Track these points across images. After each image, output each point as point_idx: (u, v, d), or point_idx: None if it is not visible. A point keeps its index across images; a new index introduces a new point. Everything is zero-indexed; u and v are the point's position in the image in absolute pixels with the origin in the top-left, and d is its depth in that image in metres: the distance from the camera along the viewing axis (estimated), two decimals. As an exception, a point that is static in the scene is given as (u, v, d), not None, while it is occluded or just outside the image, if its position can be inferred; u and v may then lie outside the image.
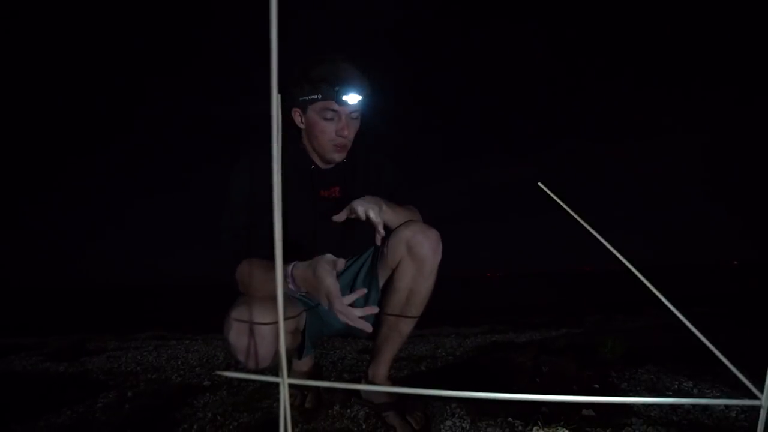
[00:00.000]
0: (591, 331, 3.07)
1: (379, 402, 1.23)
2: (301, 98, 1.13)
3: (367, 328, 0.96)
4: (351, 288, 1.28)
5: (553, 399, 0.30)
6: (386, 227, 1.25)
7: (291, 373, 1.39)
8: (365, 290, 1.01)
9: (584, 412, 1.15)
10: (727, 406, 1.13)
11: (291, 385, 1.36)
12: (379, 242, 1.12)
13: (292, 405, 1.28)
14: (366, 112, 1.18)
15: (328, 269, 0.95)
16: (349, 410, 1.26)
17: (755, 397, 0.32)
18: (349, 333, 1.34)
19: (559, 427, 1.06)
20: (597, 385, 1.39)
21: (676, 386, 1.33)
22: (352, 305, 0.95)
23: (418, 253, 1.16)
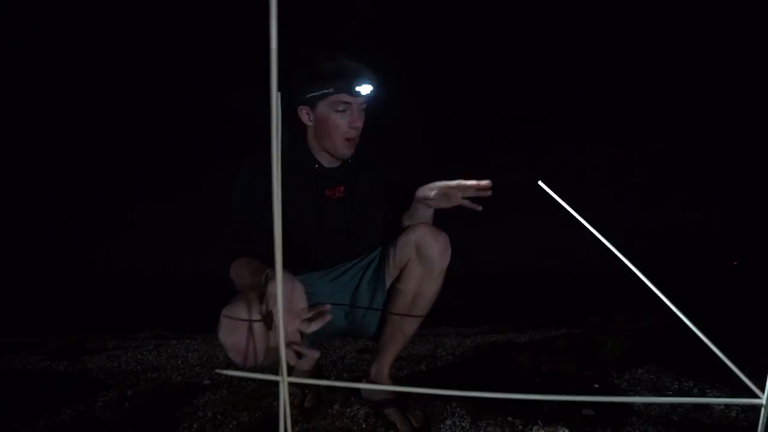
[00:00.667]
0: (591, 331, 3.07)
1: (379, 399, 1.23)
2: (310, 95, 1.14)
3: (312, 354, 0.84)
4: (356, 289, 1.28)
5: (553, 398, 0.30)
6: (394, 228, 1.25)
7: (292, 372, 1.39)
8: (328, 306, 0.88)
9: (584, 411, 1.15)
10: (727, 406, 1.13)
11: (291, 384, 1.36)
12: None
13: (291, 404, 1.28)
14: (373, 104, 1.19)
15: (287, 277, 0.88)
16: (349, 409, 1.26)
17: (756, 397, 0.32)
18: (350, 333, 1.34)
19: (560, 427, 1.06)
20: (597, 385, 1.39)
21: (676, 386, 1.33)
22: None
23: (426, 256, 1.16)
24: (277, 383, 0.38)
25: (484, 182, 1.04)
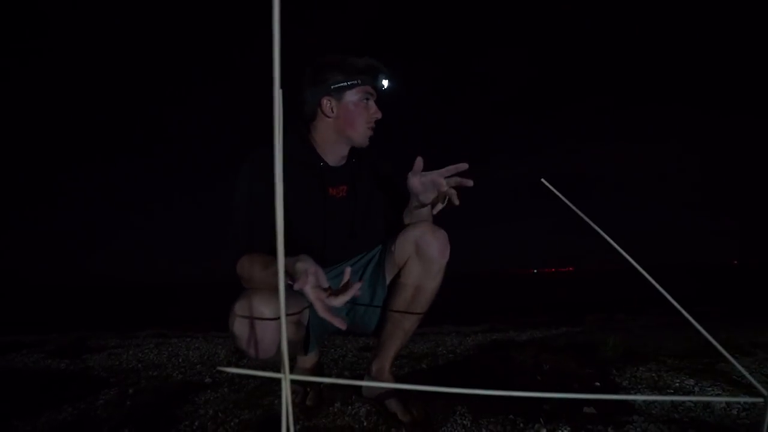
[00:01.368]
0: (592, 329, 3.08)
1: (380, 393, 1.24)
2: (338, 84, 1.18)
3: (341, 325, 0.87)
4: None
5: (554, 396, 0.30)
6: (395, 226, 1.26)
7: (294, 370, 1.40)
8: (360, 283, 0.91)
9: (585, 409, 1.15)
10: (728, 404, 1.13)
11: (293, 382, 1.36)
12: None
13: (293, 402, 1.29)
14: (386, 100, 1.27)
15: (311, 260, 0.92)
16: (350, 407, 1.26)
17: (758, 395, 0.32)
18: (351, 330, 1.34)
19: (561, 425, 1.06)
20: (598, 383, 1.39)
21: (677, 384, 1.33)
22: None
23: (426, 253, 1.18)
24: (278, 381, 0.38)
25: (462, 165, 1.08)
